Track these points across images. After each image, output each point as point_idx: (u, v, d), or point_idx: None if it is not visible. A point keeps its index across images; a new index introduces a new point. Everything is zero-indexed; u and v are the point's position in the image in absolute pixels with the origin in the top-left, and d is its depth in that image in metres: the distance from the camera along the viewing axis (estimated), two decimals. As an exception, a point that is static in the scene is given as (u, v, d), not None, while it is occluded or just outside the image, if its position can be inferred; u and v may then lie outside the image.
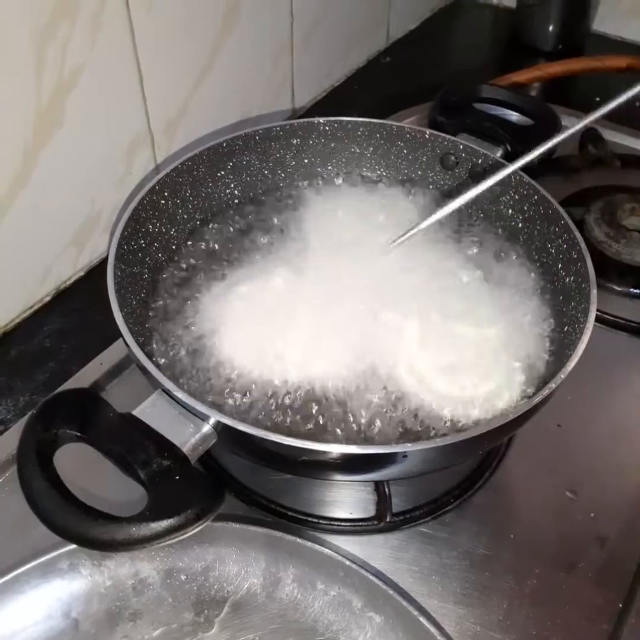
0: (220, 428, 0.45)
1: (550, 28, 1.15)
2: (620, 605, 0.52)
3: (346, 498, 0.58)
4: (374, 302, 0.55)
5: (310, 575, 0.46)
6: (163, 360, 0.53)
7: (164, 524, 0.39)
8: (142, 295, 0.56)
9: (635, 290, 0.73)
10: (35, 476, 0.40)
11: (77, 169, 0.69)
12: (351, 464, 0.46)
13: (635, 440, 0.62)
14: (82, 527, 0.39)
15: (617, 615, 0.52)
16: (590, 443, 0.61)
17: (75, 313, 0.73)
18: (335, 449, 0.43)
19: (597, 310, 0.68)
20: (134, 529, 0.38)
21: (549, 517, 0.57)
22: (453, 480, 0.58)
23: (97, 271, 0.78)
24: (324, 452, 0.43)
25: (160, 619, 0.45)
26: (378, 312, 0.55)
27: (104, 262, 0.77)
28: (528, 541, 0.56)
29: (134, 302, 0.55)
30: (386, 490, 0.55)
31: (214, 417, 0.44)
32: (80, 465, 0.46)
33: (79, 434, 0.42)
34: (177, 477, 0.41)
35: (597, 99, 1.08)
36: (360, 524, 0.55)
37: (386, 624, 0.44)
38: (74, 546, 0.45)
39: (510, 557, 0.55)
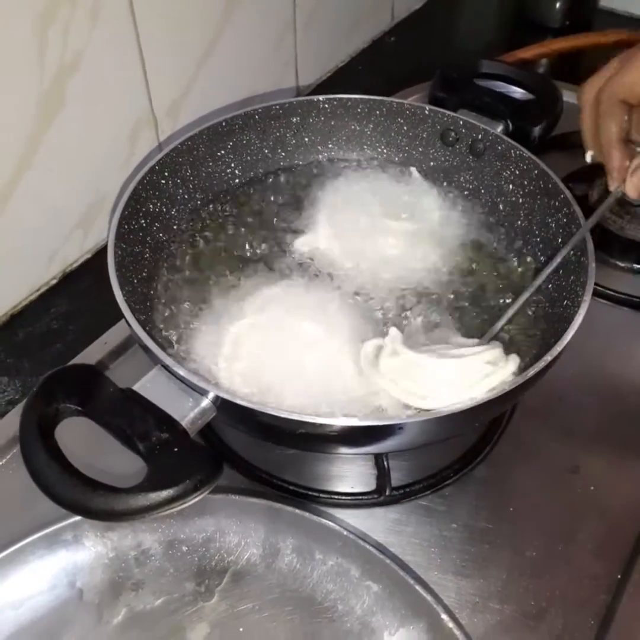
0: (219, 402, 0.45)
1: (557, 4, 1.13)
2: (619, 576, 0.53)
3: (348, 473, 0.58)
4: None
5: (308, 546, 0.47)
6: (164, 337, 0.53)
7: (163, 494, 0.40)
8: (144, 274, 0.57)
9: (638, 266, 0.73)
10: (36, 449, 0.41)
11: (81, 152, 0.69)
12: (348, 437, 0.46)
13: (636, 414, 0.62)
14: (83, 497, 0.39)
15: (616, 586, 0.52)
16: (592, 417, 0.62)
17: (82, 295, 0.74)
18: (332, 422, 0.44)
19: (600, 285, 0.69)
20: (133, 499, 0.39)
21: (549, 490, 0.57)
22: (453, 455, 0.59)
23: (103, 253, 0.77)
24: (321, 425, 0.44)
25: (162, 589, 0.46)
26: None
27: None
28: (527, 514, 0.56)
29: (136, 281, 0.55)
30: (385, 464, 0.55)
31: (213, 392, 0.45)
32: (84, 439, 0.47)
33: (79, 408, 0.43)
34: (176, 450, 0.42)
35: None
36: (360, 497, 0.56)
37: (383, 592, 0.45)
38: (78, 518, 0.46)
39: (509, 530, 0.55)
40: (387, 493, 0.56)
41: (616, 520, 0.55)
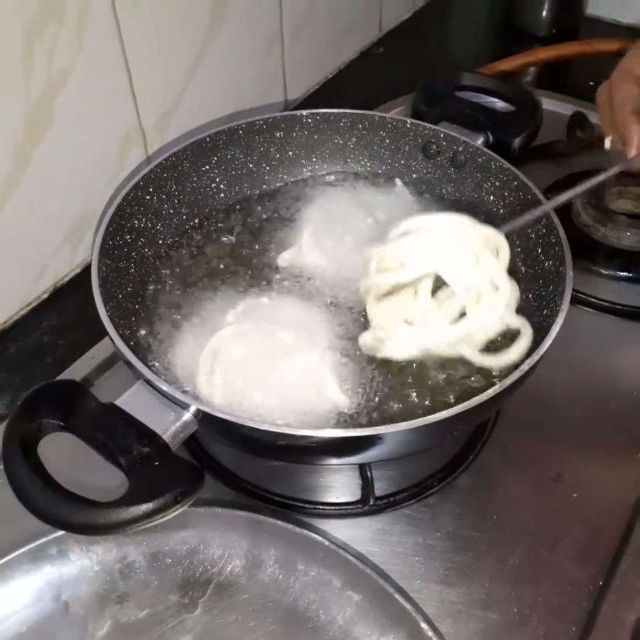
0: (200, 415, 0.46)
1: (544, 13, 1.14)
2: (601, 582, 0.53)
3: (333, 483, 0.59)
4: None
5: (291, 557, 0.47)
6: (148, 351, 0.54)
7: (143, 508, 0.40)
8: (129, 289, 0.58)
9: (621, 273, 0.73)
10: (19, 465, 0.41)
11: (69, 168, 0.70)
12: (328, 448, 0.47)
13: (619, 422, 0.63)
14: (65, 512, 0.40)
15: (598, 593, 0.52)
16: (575, 424, 0.62)
17: (72, 309, 0.74)
18: (310, 433, 0.45)
19: (583, 293, 0.70)
20: (114, 513, 0.40)
21: (532, 498, 0.58)
22: (437, 464, 0.59)
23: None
24: (301, 437, 0.45)
25: (146, 601, 0.47)
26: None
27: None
28: (510, 522, 0.57)
29: (120, 296, 0.56)
30: (369, 474, 0.56)
31: (194, 405, 0.46)
32: (67, 455, 0.47)
33: (62, 423, 0.44)
34: (157, 463, 0.43)
35: (591, 83, 1.09)
36: (345, 507, 0.57)
37: (364, 602, 0.46)
38: (62, 533, 0.47)
39: (492, 538, 0.56)
40: (371, 503, 0.56)
41: (598, 528, 0.56)
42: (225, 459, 0.59)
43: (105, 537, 0.47)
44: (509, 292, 0.53)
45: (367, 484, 0.56)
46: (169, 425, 0.45)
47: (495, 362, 0.53)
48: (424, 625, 0.43)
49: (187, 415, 0.46)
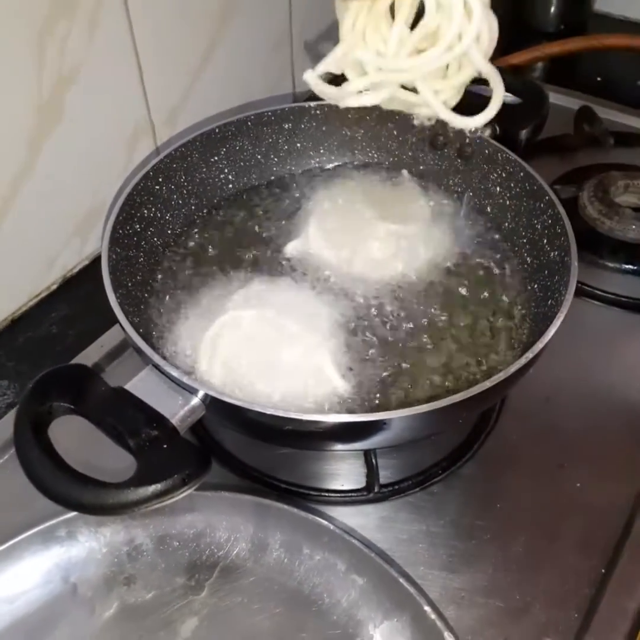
0: (208, 400, 0.47)
1: (552, 9, 1.15)
2: (603, 570, 0.54)
3: (339, 471, 0.60)
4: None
5: (296, 541, 0.48)
6: (156, 337, 0.55)
7: (151, 489, 0.41)
8: (138, 277, 0.59)
9: (627, 266, 0.74)
10: (30, 446, 0.42)
11: (80, 161, 0.71)
12: (334, 433, 0.47)
13: (622, 413, 0.63)
14: (74, 492, 0.41)
15: (599, 581, 0.53)
16: (578, 416, 0.62)
17: (81, 300, 0.75)
18: (317, 418, 0.45)
19: (589, 285, 0.71)
20: (122, 494, 0.40)
21: (536, 487, 0.58)
22: (441, 453, 0.60)
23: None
24: (306, 422, 0.45)
25: (153, 583, 0.47)
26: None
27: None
28: (514, 510, 0.57)
29: (130, 284, 0.57)
30: (374, 461, 0.56)
31: (202, 390, 0.46)
32: (77, 437, 0.48)
33: (72, 406, 0.44)
34: (165, 446, 0.43)
35: (599, 78, 1.08)
36: (350, 495, 0.57)
37: (368, 585, 0.46)
38: (71, 515, 0.48)
39: (495, 526, 0.56)
40: (376, 490, 0.57)
41: (600, 517, 0.56)
42: (232, 447, 0.60)
43: (113, 520, 0.48)
44: (479, 19, 0.50)
45: (372, 472, 0.57)
46: (177, 410, 0.46)
47: (463, 121, 0.53)
48: (427, 608, 0.44)
49: (195, 400, 0.47)
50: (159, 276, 0.60)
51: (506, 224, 0.65)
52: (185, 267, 0.61)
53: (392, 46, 0.51)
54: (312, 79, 0.55)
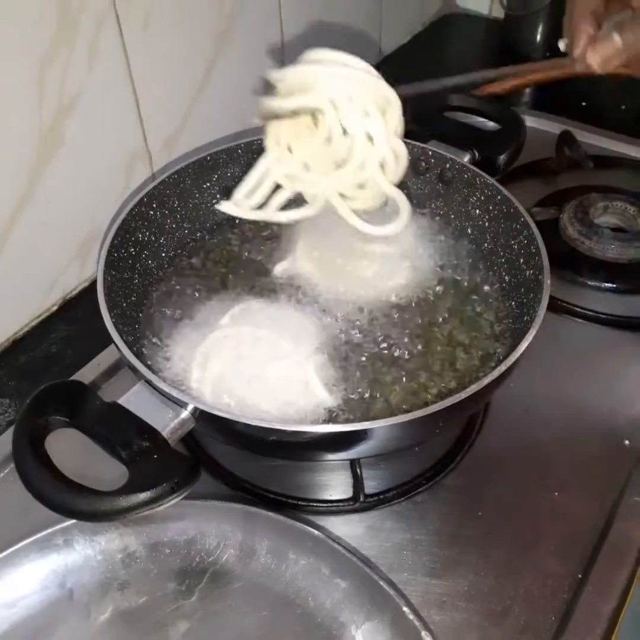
0: (197, 413, 0.49)
1: (538, 37, 1.18)
2: (580, 575, 0.56)
3: (328, 481, 0.62)
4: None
5: (282, 547, 0.50)
6: (150, 354, 0.58)
7: (142, 496, 0.43)
8: (133, 298, 0.62)
9: (606, 284, 0.76)
10: (28, 458, 0.44)
11: (78, 187, 0.74)
12: (317, 443, 0.50)
13: (598, 425, 0.65)
14: (70, 500, 0.43)
15: (576, 585, 0.55)
16: (557, 428, 0.65)
17: (80, 321, 0.78)
18: (299, 429, 0.48)
19: (569, 303, 0.73)
20: (115, 501, 0.43)
21: (516, 496, 0.61)
22: (426, 463, 0.62)
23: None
24: (290, 432, 0.48)
25: (145, 589, 0.50)
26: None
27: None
28: (495, 519, 0.59)
29: (125, 304, 0.60)
30: (359, 471, 0.59)
31: (192, 404, 0.49)
32: (72, 450, 0.50)
33: (68, 420, 0.47)
34: (156, 456, 0.46)
35: (583, 103, 1.12)
36: (336, 505, 0.59)
37: (351, 588, 0.48)
38: (68, 523, 0.50)
39: (477, 534, 0.58)
40: (362, 500, 0.59)
41: (577, 525, 0.58)
42: (223, 459, 0.62)
43: (107, 528, 0.50)
44: (382, 148, 0.54)
45: (357, 482, 0.59)
46: (168, 422, 0.49)
47: (373, 229, 0.57)
48: (405, 609, 0.46)
49: (185, 413, 0.49)
50: (153, 296, 0.63)
51: (486, 245, 0.68)
52: (179, 288, 0.64)
53: (308, 162, 0.55)
54: (229, 207, 0.58)
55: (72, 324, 0.78)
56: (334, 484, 0.62)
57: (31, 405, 0.46)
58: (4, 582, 0.49)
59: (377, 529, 0.59)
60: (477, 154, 0.70)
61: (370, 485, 0.60)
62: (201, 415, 0.49)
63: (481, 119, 0.76)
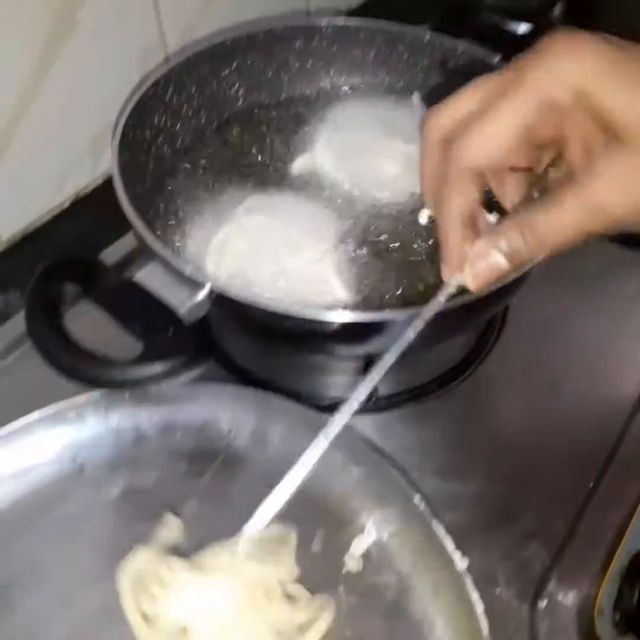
0: (213, 296, 0.48)
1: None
2: (591, 485, 0.55)
3: (340, 383, 0.61)
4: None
5: (295, 434, 0.49)
6: (163, 239, 0.56)
7: (155, 367, 0.43)
8: (147, 184, 0.59)
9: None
10: (42, 325, 0.43)
11: (90, 78, 0.71)
12: (333, 334, 0.48)
13: (616, 346, 0.64)
14: (84, 367, 0.43)
15: (585, 496, 0.54)
16: (573, 344, 0.64)
17: (92, 218, 0.76)
18: (318, 316, 0.46)
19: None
20: (129, 370, 0.42)
21: (529, 408, 0.60)
22: (439, 370, 0.61)
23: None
24: (308, 320, 0.46)
25: (156, 468, 0.49)
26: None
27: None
28: (507, 428, 0.59)
29: (139, 190, 0.57)
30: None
31: (209, 284, 0.47)
32: (86, 328, 0.49)
33: (82, 291, 0.46)
34: (170, 332, 0.45)
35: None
36: (347, 402, 0.59)
37: (363, 477, 0.48)
38: (82, 398, 0.49)
39: (488, 442, 0.57)
40: (373, 400, 0.58)
41: (590, 437, 0.58)
42: (236, 356, 0.61)
43: (120, 406, 0.50)
44: None
45: (370, 382, 0.58)
46: (183, 302, 0.47)
47: None
48: (416, 498, 0.46)
49: (201, 295, 0.48)
50: (168, 185, 0.61)
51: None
52: (194, 177, 0.62)
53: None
54: None
55: (83, 220, 0.75)
56: (347, 385, 0.61)
57: (45, 272, 0.45)
58: (16, 453, 0.49)
59: (388, 431, 0.58)
60: (507, 55, 0.67)
61: (382, 388, 0.59)
62: (217, 298, 0.48)
63: (516, 21, 0.73)
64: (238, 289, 0.48)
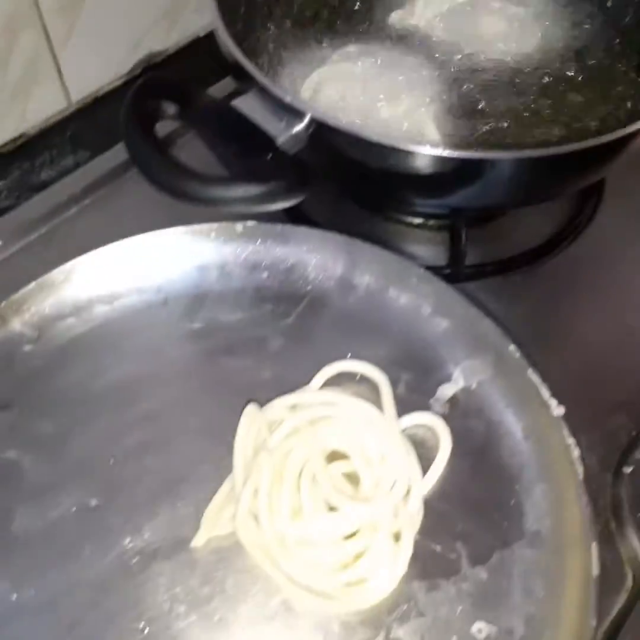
0: (312, 128, 0.46)
1: None
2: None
3: (426, 251, 0.59)
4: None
5: (383, 283, 0.48)
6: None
7: (253, 188, 0.41)
8: (239, 27, 0.56)
9: None
10: (138, 136, 0.42)
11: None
12: (433, 175, 0.46)
13: None
14: (179, 182, 0.41)
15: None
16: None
17: (164, 84, 0.74)
18: (422, 150, 0.44)
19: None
20: (225, 187, 0.41)
21: (617, 291, 0.57)
22: (528, 245, 0.59)
23: (187, 50, 0.79)
24: (412, 153, 0.44)
25: (241, 306, 0.48)
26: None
27: (194, 42, 0.78)
28: (591, 311, 0.56)
29: (231, 27, 0.55)
30: (462, 238, 0.55)
31: (309, 114, 0.45)
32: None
33: (178, 109, 0.44)
34: (269, 157, 0.43)
35: None
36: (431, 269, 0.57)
37: (452, 327, 0.47)
38: (167, 231, 0.48)
39: (570, 320, 0.55)
40: (459, 268, 0.56)
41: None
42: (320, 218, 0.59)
43: (205, 241, 0.49)
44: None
45: (458, 245, 0.56)
46: (282, 131, 0.45)
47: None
48: (512, 346, 0.44)
49: (300, 125, 0.45)
50: (263, 26, 0.58)
51: (626, 20, 0.61)
52: (289, 17, 0.59)
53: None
54: None
55: (156, 86, 0.73)
56: (432, 254, 0.58)
57: (142, 85, 0.43)
58: (101, 279, 0.48)
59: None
60: None
61: (470, 257, 0.57)
62: (317, 130, 0.45)
63: None
64: (340, 120, 0.45)
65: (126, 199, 0.58)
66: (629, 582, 0.42)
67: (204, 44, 0.78)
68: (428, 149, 0.44)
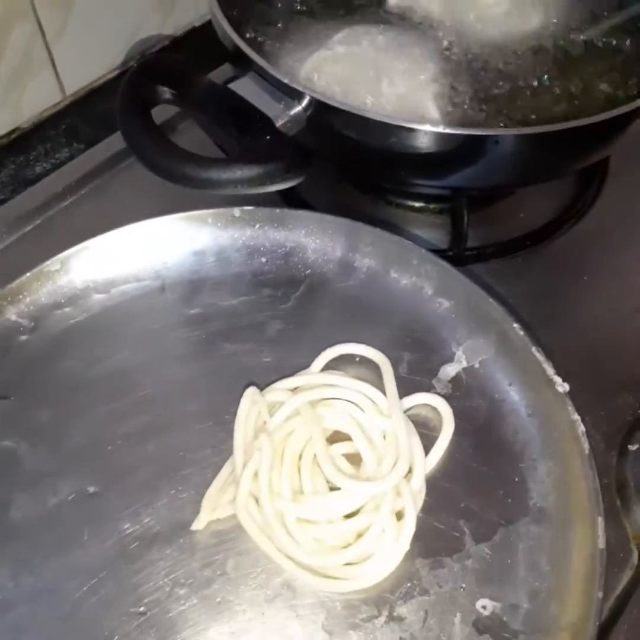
0: (310, 110, 0.45)
1: None
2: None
3: (428, 234, 0.58)
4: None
5: (384, 265, 0.48)
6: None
7: (253, 169, 0.40)
8: (234, 13, 0.56)
9: None
10: (134, 121, 0.42)
11: None
12: (435, 154, 0.46)
13: None
14: (177, 165, 0.41)
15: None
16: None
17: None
18: (424, 128, 0.44)
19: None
20: (226, 170, 0.40)
21: (621, 274, 0.56)
22: (531, 226, 0.58)
23: (181, 41, 0.79)
24: (413, 131, 0.43)
25: (240, 291, 0.48)
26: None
27: (189, 33, 0.78)
28: (595, 293, 0.55)
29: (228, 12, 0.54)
30: (464, 220, 0.55)
31: (308, 95, 0.45)
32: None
33: (175, 93, 0.43)
34: (268, 138, 0.42)
35: None
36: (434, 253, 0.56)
37: (454, 307, 0.46)
38: (164, 218, 0.48)
39: (573, 303, 0.55)
40: (461, 250, 0.56)
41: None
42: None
43: (202, 227, 0.48)
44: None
45: (459, 229, 0.55)
46: (280, 113, 0.45)
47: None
48: (516, 325, 0.43)
49: (298, 108, 0.45)
50: (260, 10, 0.58)
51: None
52: (288, 5, 0.58)
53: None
54: None
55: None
56: (434, 238, 0.58)
57: (139, 69, 0.43)
58: (98, 268, 0.48)
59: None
60: None
61: (472, 240, 0.57)
62: (314, 112, 0.45)
63: None
64: (338, 99, 0.45)
65: (121, 189, 0.58)
66: (635, 559, 0.42)
67: (199, 34, 0.78)
68: (429, 127, 0.44)
